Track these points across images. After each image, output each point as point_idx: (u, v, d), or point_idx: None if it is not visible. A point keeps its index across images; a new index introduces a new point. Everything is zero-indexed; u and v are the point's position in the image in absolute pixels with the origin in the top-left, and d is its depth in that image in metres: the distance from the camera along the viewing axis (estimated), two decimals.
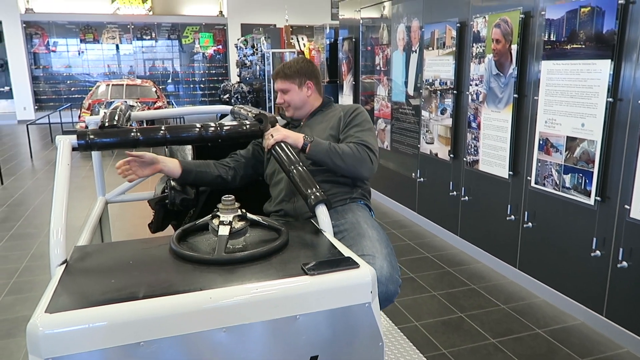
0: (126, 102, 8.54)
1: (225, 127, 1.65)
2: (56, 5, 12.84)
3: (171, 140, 1.62)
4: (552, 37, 2.68)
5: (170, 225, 2.11)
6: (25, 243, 3.98)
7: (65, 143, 1.48)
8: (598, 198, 2.47)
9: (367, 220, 1.73)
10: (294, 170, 1.57)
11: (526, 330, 2.59)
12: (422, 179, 4.15)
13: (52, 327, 1.00)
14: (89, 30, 13.36)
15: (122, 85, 9.47)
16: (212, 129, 1.63)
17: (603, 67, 2.39)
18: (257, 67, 10.49)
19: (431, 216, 4.10)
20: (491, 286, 3.11)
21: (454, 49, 3.53)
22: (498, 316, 2.74)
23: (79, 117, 8.65)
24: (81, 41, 13.38)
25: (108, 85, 9.49)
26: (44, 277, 3.33)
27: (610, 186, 2.43)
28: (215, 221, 1.35)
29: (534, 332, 2.57)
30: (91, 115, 8.34)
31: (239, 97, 10.34)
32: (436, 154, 3.88)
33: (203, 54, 14.45)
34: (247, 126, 1.69)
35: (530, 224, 2.96)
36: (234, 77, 13.36)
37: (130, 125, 1.69)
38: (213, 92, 14.46)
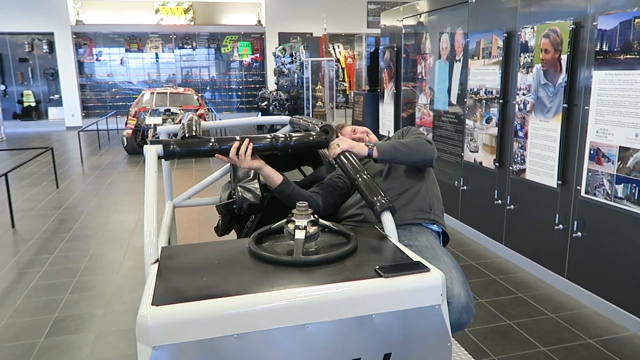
0: (169, 109, 8.83)
1: (294, 138, 1.76)
2: (104, 16, 13.41)
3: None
4: (604, 47, 2.69)
5: (233, 229, 2.23)
6: (84, 244, 4.20)
7: (152, 152, 1.62)
8: None
9: (441, 247, 1.78)
10: (360, 179, 1.66)
11: (577, 339, 2.60)
12: (465, 187, 4.18)
13: (159, 318, 1.12)
14: (133, 40, 13.88)
15: (166, 93, 9.81)
16: (282, 139, 1.74)
17: None
18: (295, 75, 10.67)
19: (475, 224, 4.11)
20: (538, 295, 3.11)
21: (501, 58, 3.56)
22: (547, 325, 2.75)
23: (126, 124, 9.01)
24: (126, 50, 13.91)
25: (152, 93, 9.84)
26: (104, 277, 3.53)
27: None
28: (291, 225, 1.44)
29: (585, 342, 2.57)
30: (137, 121, 8.68)
31: (277, 104, 10.53)
32: (480, 163, 3.90)
33: (241, 62, 14.79)
34: (314, 136, 1.80)
35: (579, 233, 2.96)
36: (271, 85, 13.61)
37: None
38: (250, 99, 14.76)
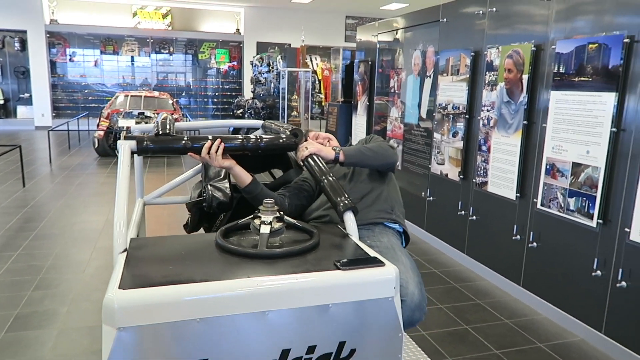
0: (143, 112, 8.80)
1: (264, 139, 1.84)
2: (79, 17, 13.26)
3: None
4: (561, 69, 2.87)
5: (202, 227, 2.29)
6: (50, 243, 4.16)
7: (125, 147, 1.68)
8: (600, 221, 2.63)
9: (400, 248, 1.88)
10: (325, 180, 1.75)
11: (529, 344, 2.73)
12: (431, 198, 4.32)
13: (126, 301, 1.17)
14: (109, 42, 13.76)
15: (141, 96, 9.76)
16: (253, 140, 1.82)
17: (608, 99, 2.57)
18: (272, 84, 10.77)
19: (439, 234, 4.25)
20: (495, 302, 3.24)
21: (468, 76, 3.73)
22: (502, 330, 2.88)
23: (98, 125, 8.92)
24: (101, 52, 13.76)
25: (127, 95, 9.78)
26: (70, 275, 3.51)
27: (612, 210, 2.59)
28: (257, 221, 1.52)
29: (536, 346, 2.70)
30: (109, 123, 8.61)
31: (253, 112, 10.59)
32: (446, 175, 4.05)
33: (218, 69, 14.81)
34: (284, 139, 1.88)
35: (535, 243, 3.11)
36: (247, 93, 13.67)
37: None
38: (226, 106, 14.77)
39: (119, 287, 1.21)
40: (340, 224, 1.78)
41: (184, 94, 14.74)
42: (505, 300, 3.28)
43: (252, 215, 1.56)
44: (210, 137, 1.78)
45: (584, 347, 2.70)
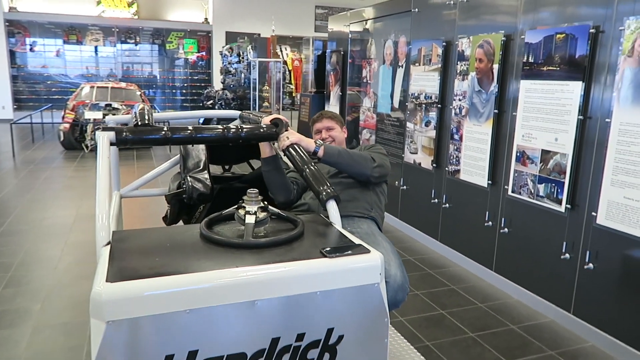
0: (111, 104, 8.59)
1: (245, 129, 1.84)
2: (40, 4, 12.76)
3: (197, 139, 1.80)
4: (530, 59, 2.95)
5: (181, 219, 2.27)
6: (19, 239, 4.04)
7: (104, 138, 1.65)
8: (568, 206, 2.74)
9: (380, 233, 1.95)
10: (307, 169, 1.76)
11: (502, 326, 2.83)
12: (404, 187, 4.39)
13: (114, 294, 1.16)
14: (72, 31, 13.30)
15: (107, 87, 9.51)
16: (234, 130, 1.81)
17: (575, 88, 2.67)
18: (242, 74, 10.66)
19: (413, 222, 4.33)
20: (470, 287, 3.34)
21: (440, 65, 3.79)
22: (476, 314, 2.97)
23: (63, 118, 8.65)
24: (64, 42, 13.30)
25: (92, 87, 9.50)
26: (41, 271, 3.43)
27: (579, 195, 2.70)
28: (242, 211, 1.52)
29: (508, 328, 2.80)
30: (75, 115, 8.37)
31: (223, 103, 10.48)
32: (419, 164, 4.12)
33: (186, 59, 14.54)
34: (265, 129, 1.88)
35: (506, 229, 3.21)
36: (217, 84, 13.48)
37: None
38: (195, 97, 14.53)
39: (106, 280, 1.19)
40: (321, 212, 1.80)
41: (152, 86, 14.43)
42: (478, 285, 3.38)
43: (236, 206, 1.56)
44: (190, 127, 1.77)
45: (555, 328, 2.81)
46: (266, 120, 1.95)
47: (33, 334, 2.63)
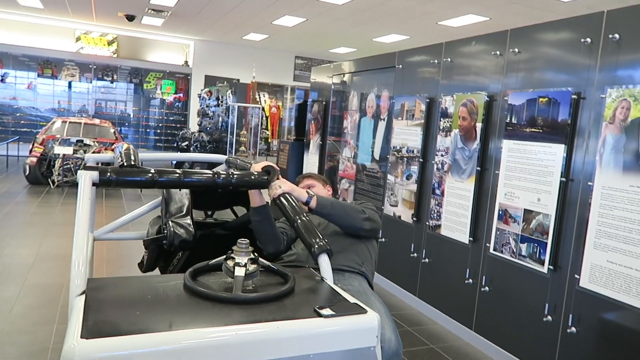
0: (82, 140, 8.39)
1: (236, 175, 1.77)
2: (15, 37, 12.62)
3: (186, 183, 1.72)
4: (513, 119, 3.02)
5: (158, 266, 2.14)
6: None
7: (86, 178, 1.54)
8: (551, 267, 2.73)
9: (372, 292, 1.89)
10: (299, 220, 1.69)
11: None
12: (383, 240, 4.33)
13: (89, 352, 1.04)
14: (47, 65, 13.16)
15: (80, 123, 9.31)
16: (224, 176, 1.74)
17: (557, 151, 2.72)
18: (220, 118, 10.66)
19: (390, 276, 4.25)
20: (449, 347, 3.25)
21: (423, 121, 3.84)
22: None
23: (30, 151, 8.38)
24: (38, 75, 13.11)
25: (65, 122, 9.29)
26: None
27: (562, 256, 2.69)
28: (230, 262, 1.43)
29: None
30: (43, 150, 8.11)
31: (199, 145, 10.38)
32: (399, 217, 4.10)
33: (163, 100, 14.51)
34: (256, 176, 1.81)
35: (487, 288, 3.17)
36: (193, 126, 13.42)
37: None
38: (170, 138, 14.41)
39: (81, 337, 1.07)
40: (312, 266, 1.72)
41: (125, 124, 14.25)
42: (457, 344, 3.29)
43: (224, 256, 1.47)
44: (179, 171, 1.68)
45: None
46: (257, 167, 1.89)
47: None
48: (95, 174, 1.56)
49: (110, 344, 1.07)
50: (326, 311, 1.30)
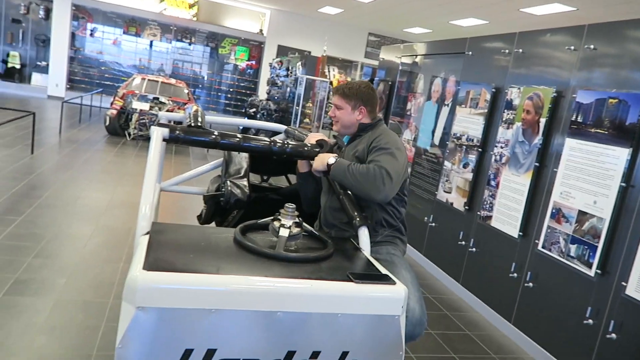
0: (158, 98, 8.86)
1: (290, 145, 1.90)
2: None
3: (244, 147, 1.87)
4: (579, 118, 2.94)
5: (214, 221, 2.33)
6: (53, 213, 4.19)
7: (158, 133, 1.73)
8: (598, 271, 2.68)
9: (401, 262, 1.91)
10: (345, 195, 1.80)
11: None
12: (433, 224, 4.37)
13: (148, 282, 1.22)
14: (132, 23, 13.86)
15: (157, 81, 9.82)
16: (280, 144, 1.88)
17: (621, 154, 2.64)
18: (288, 88, 10.85)
19: (436, 260, 4.30)
20: (485, 335, 3.28)
21: (486, 110, 3.80)
22: None
23: (111, 104, 8.97)
24: (123, 32, 13.86)
25: (144, 79, 9.83)
26: (70, 248, 3.55)
27: (612, 262, 2.64)
28: (277, 223, 1.57)
29: None
30: (123, 103, 8.67)
31: (265, 113, 10.66)
32: (452, 203, 4.11)
33: (236, 65, 14.91)
34: (309, 147, 1.94)
35: (530, 284, 3.16)
36: (262, 94, 13.75)
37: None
38: (238, 103, 14.85)
39: (143, 268, 1.25)
40: (352, 236, 1.83)
41: (199, 85, 14.83)
42: (494, 335, 3.32)
43: (272, 217, 1.61)
44: (239, 135, 1.83)
45: None
46: (312, 139, 2.00)
47: (54, 306, 2.72)
48: (166, 131, 1.74)
49: (166, 278, 1.24)
50: (357, 277, 1.42)
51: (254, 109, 10.98)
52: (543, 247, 3.06)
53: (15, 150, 6.21)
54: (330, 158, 1.85)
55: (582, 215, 2.82)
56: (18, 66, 13.28)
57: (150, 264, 1.28)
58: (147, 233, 1.50)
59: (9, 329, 2.45)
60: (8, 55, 13.21)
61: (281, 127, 2.56)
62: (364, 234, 1.73)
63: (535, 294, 3.13)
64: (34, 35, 13.33)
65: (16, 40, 13.27)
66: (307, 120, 9.96)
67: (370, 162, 1.84)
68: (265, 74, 13.91)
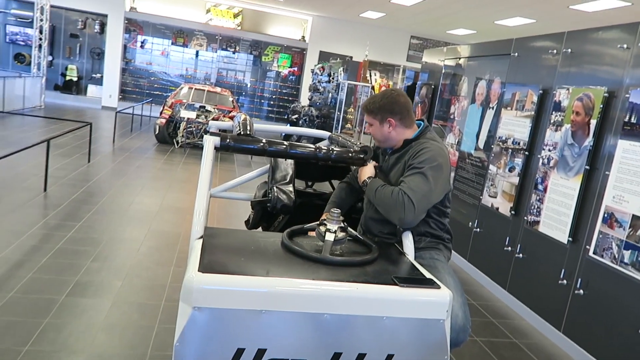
0: (204, 106, 9.14)
1: (335, 151, 1.95)
2: (156, 6, 13.92)
3: (291, 154, 1.93)
4: (632, 119, 2.84)
5: (261, 226, 2.41)
6: (109, 218, 4.42)
7: (210, 142, 1.82)
8: None
9: (444, 267, 1.90)
10: None
11: None
12: (478, 229, 4.30)
13: (204, 283, 1.29)
14: (180, 34, 14.36)
15: (204, 90, 10.13)
16: (325, 151, 1.93)
17: None
18: (330, 94, 10.94)
19: (481, 266, 4.23)
20: (533, 344, 3.21)
21: (533, 112, 3.72)
22: None
23: (161, 113, 9.32)
24: (172, 43, 14.38)
25: (191, 88, 10.17)
26: (125, 252, 3.73)
27: None
28: (323, 228, 1.62)
29: None
30: (171, 112, 8.99)
31: (307, 119, 10.78)
32: (497, 208, 4.04)
33: (278, 72, 15.16)
34: (353, 154, 1.98)
35: (581, 291, 3.07)
36: (304, 100, 13.92)
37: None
38: (281, 110, 15.08)
39: (199, 270, 1.33)
40: (396, 241, 1.85)
41: (242, 93, 15.17)
42: (543, 343, 3.24)
43: (318, 222, 1.66)
44: (286, 143, 1.90)
45: None
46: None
47: (112, 307, 2.88)
48: (217, 140, 1.83)
49: (220, 279, 1.31)
50: (402, 281, 1.45)
51: (296, 116, 11.13)
52: (594, 253, 2.97)
53: (73, 159, 6.57)
54: (368, 175, 1.93)
55: (637, 220, 2.72)
56: (75, 78, 14.02)
57: (205, 267, 1.35)
58: (201, 237, 1.58)
59: (72, 328, 2.61)
60: (67, 68, 13.97)
61: (325, 133, 2.61)
62: (407, 239, 1.75)
63: (586, 302, 3.04)
64: (90, 49, 14.04)
65: (74, 54, 14.02)
66: (348, 125, 10.00)
67: (400, 183, 1.82)
68: (307, 80, 14.08)
